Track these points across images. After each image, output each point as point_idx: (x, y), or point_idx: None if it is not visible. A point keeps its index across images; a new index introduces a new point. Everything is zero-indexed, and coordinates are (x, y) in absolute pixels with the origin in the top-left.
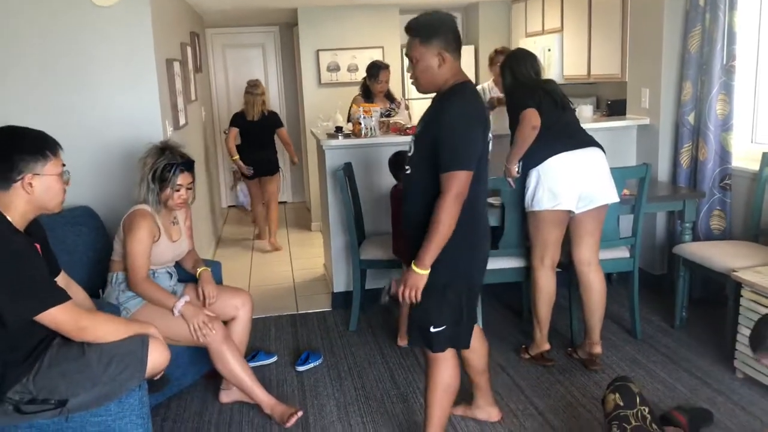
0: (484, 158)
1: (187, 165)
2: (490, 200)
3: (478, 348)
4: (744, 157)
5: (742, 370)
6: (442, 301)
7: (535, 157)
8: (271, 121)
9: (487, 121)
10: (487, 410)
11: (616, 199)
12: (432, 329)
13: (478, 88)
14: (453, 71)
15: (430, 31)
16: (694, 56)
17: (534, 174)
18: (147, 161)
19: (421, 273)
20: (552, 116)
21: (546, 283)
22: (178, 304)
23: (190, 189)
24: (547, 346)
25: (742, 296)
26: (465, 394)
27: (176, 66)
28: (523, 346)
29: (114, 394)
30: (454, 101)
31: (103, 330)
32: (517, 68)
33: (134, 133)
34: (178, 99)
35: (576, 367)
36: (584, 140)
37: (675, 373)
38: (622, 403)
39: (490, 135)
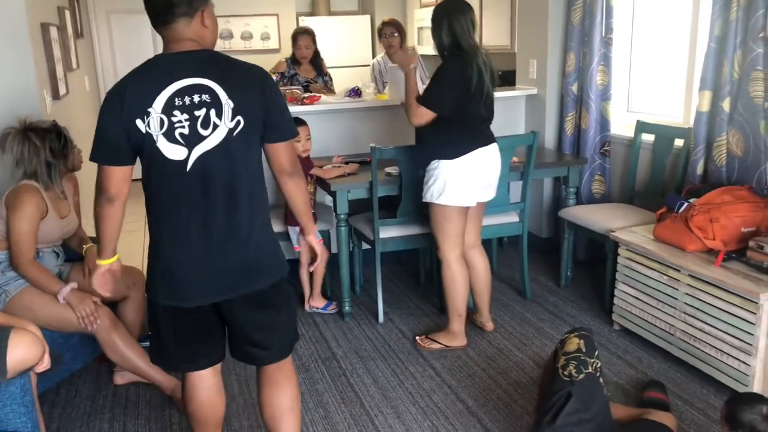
0: (149, 149)
1: (58, 126)
2: (389, 169)
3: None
4: (621, 125)
5: (618, 322)
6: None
7: (445, 149)
8: None
9: (131, 106)
10: None
11: (493, 195)
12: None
13: (372, 62)
14: (164, 40)
15: None
16: (576, 28)
17: (442, 167)
18: (28, 149)
19: (102, 263)
20: (473, 110)
21: (460, 270)
22: (64, 291)
23: None
24: (465, 341)
25: (619, 255)
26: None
27: (53, 31)
28: (424, 336)
29: None
30: None
31: None
32: (456, 22)
33: (9, 102)
34: (57, 67)
35: (471, 328)
36: (489, 137)
37: (561, 329)
38: (584, 349)
39: (164, 118)
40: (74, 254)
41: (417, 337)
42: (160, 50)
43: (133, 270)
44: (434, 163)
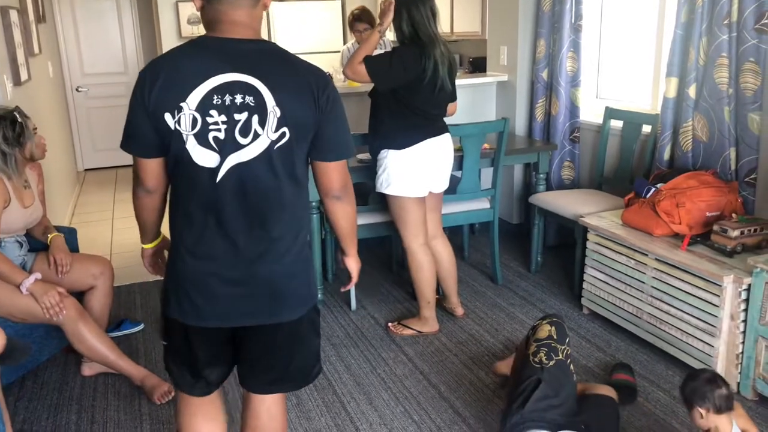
0: (177, 149)
1: (20, 112)
2: (361, 156)
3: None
4: (590, 112)
5: (587, 306)
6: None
7: (395, 139)
8: None
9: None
10: None
11: (446, 186)
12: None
13: (342, 48)
14: (213, 17)
15: None
16: (547, 15)
17: (391, 157)
18: None
19: (145, 247)
20: (426, 100)
21: (425, 258)
22: (27, 282)
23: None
24: (437, 327)
25: (588, 240)
26: None
27: (13, 14)
28: (397, 323)
29: None
30: None
31: None
32: (416, 11)
33: None
34: (18, 52)
35: (443, 314)
36: (441, 127)
37: (531, 313)
38: (555, 336)
39: (189, 113)
40: (39, 244)
41: (389, 324)
42: (127, 36)
43: (100, 259)
44: (383, 153)
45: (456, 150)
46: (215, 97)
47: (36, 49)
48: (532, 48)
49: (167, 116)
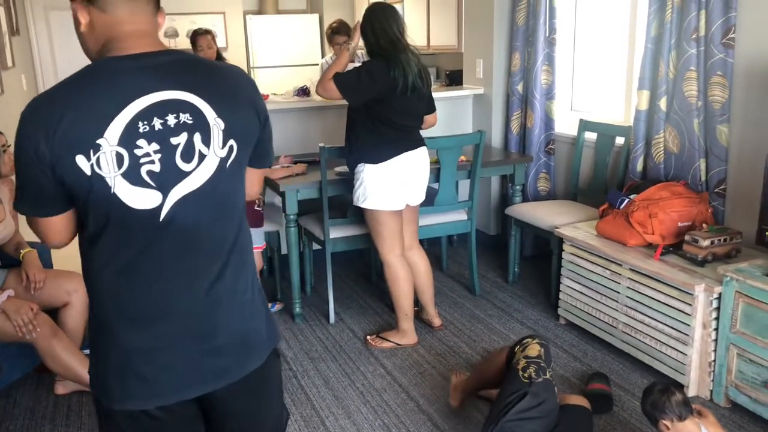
0: (100, 198)
1: None
2: (338, 169)
3: None
4: (565, 124)
5: (564, 316)
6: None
7: (371, 153)
8: None
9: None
10: None
11: (423, 198)
12: None
13: (321, 62)
14: (110, 33)
15: None
16: (521, 29)
17: (367, 171)
18: None
19: None
20: (401, 112)
21: (402, 270)
22: None
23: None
24: (415, 339)
25: (564, 250)
26: None
27: None
28: (375, 335)
29: None
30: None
31: None
32: (377, 22)
33: None
34: None
35: (421, 326)
36: (417, 141)
37: (509, 324)
38: (544, 357)
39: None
40: (11, 260)
41: (368, 337)
42: None
43: (74, 275)
44: (360, 167)
45: (433, 162)
46: (140, 124)
47: (9, 63)
48: (508, 61)
49: (80, 160)
